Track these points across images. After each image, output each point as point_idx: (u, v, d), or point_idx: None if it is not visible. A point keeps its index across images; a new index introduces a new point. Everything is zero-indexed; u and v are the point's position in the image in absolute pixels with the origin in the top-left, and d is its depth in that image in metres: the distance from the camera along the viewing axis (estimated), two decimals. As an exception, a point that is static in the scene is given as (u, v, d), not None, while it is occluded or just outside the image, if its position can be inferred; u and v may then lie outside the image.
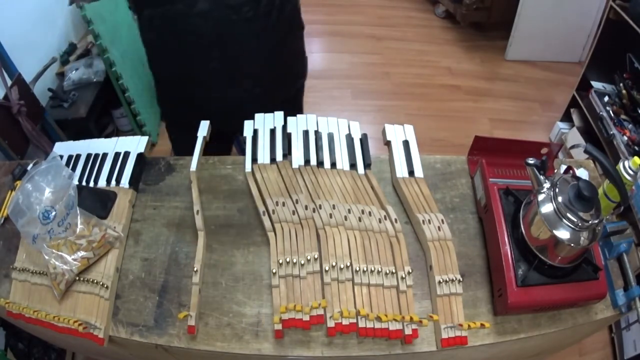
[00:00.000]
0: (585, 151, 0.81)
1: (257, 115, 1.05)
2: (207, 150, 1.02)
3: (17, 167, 1.03)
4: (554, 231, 0.74)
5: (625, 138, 1.81)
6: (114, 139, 1.07)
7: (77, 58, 2.08)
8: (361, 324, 0.77)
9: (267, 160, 0.98)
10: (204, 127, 1.04)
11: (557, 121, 2.39)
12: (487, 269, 0.88)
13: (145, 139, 1.05)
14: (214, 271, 0.86)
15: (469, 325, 0.79)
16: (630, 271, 0.86)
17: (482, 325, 0.79)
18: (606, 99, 2.00)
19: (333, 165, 0.98)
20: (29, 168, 0.99)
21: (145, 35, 1.11)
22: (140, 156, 1.02)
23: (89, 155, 1.04)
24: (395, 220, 0.88)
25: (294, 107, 1.14)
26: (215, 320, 0.81)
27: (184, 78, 1.13)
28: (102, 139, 1.09)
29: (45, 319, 0.81)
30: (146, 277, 0.87)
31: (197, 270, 0.82)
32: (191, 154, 0.99)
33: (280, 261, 0.82)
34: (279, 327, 0.77)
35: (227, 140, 1.08)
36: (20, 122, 1.62)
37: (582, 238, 0.74)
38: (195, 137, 1.01)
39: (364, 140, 1.04)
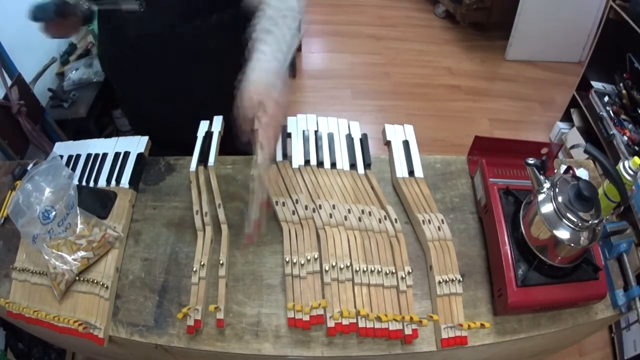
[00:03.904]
0: (585, 151, 0.81)
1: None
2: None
3: (17, 167, 1.03)
4: (554, 231, 0.74)
5: (625, 138, 1.81)
6: (114, 139, 1.07)
7: (77, 58, 2.08)
8: (361, 324, 0.77)
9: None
10: (203, 127, 1.04)
11: (557, 121, 2.39)
12: (487, 269, 0.88)
13: (145, 139, 1.05)
14: (215, 271, 0.86)
15: (469, 325, 0.79)
16: (630, 271, 0.86)
17: (482, 325, 0.79)
18: (606, 99, 2.00)
19: (333, 165, 0.98)
20: (29, 168, 0.99)
21: (99, 46, 1.14)
22: (140, 156, 1.02)
23: (89, 155, 1.04)
24: (395, 220, 0.89)
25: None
26: (216, 320, 0.81)
27: (139, 88, 1.14)
28: (102, 139, 1.09)
29: (45, 319, 0.81)
30: (146, 277, 0.87)
31: (196, 270, 0.82)
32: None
33: (287, 259, 0.83)
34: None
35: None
36: (20, 122, 1.62)
37: (582, 238, 0.74)
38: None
39: (364, 140, 1.04)
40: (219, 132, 1.02)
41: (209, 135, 1.03)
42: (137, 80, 1.10)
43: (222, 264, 0.83)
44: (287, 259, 0.83)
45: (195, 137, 1.02)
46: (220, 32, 1.02)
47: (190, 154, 1.00)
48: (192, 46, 1.00)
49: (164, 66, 1.03)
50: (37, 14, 0.85)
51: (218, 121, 1.05)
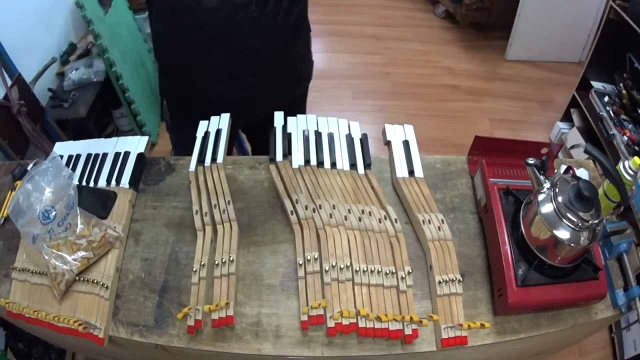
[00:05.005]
0: (585, 151, 0.81)
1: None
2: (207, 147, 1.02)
3: (17, 167, 1.03)
4: (554, 231, 0.74)
5: (625, 138, 1.81)
6: (114, 139, 1.07)
7: (77, 58, 2.08)
8: (361, 324, 0.77)
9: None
10: (202, 127, 1.04)
11: (557, 121, 2.39)
12: (487, 269, 0.88)
13: (145, 139, 1.05)
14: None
15: (469, 325, 0.78)
16: (630, 271, 0.86)
17: (482, 325, 0.79)
18: (606, 99, 2.00)
19: (333, 165, 0.98)
20: (29, 168, 0.99)
21: (154, 26, 1.12)
22: (140, 156, 1.02)
23: (89, 155, 1.04)
24: (395, 220, 0.88)
25: (296, 108, 1.14)
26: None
27: (188, 70, 1.14)
28: (102, 139, 1.09)
29: (45, 319, 0.81)
30: (146, 277, 0.87)
31: (196, 270, 0.82)
32: (192, 147, 0.99)
33: (301, 262, 0.83)
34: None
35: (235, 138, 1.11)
36: (20, 122, 1.62)
37: (582, 238, 0.74)
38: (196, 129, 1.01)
39: (364, 140, 1.04)
40: (228, 129, 1.02)
41: (207, 134, 1.03)
42: (195, 60, 1.10)
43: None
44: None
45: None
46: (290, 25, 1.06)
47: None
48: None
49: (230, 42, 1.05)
50: None
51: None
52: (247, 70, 1.11)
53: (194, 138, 1.02)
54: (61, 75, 2.03)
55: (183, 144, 1.14)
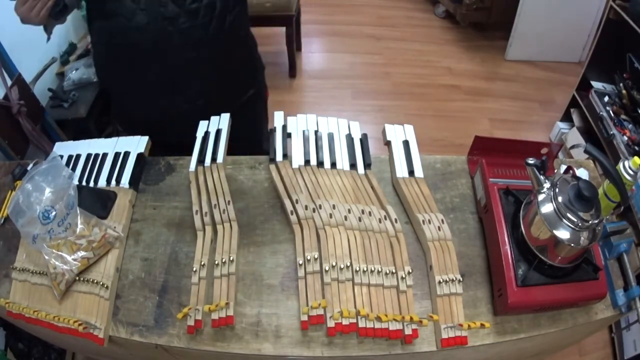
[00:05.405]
0: (585, 151, 0.81)
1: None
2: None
3: (17, 167, 1.03)
4: (554, 231, 0.74)
5: (625, 138, 1.81)
6: (114, 139, 1.07)
7: (77, 58, 2.08)
8: (361, 324, 0.77)
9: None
10: (202, 127, 1.04)
11: (557, 121, 2.39)
12: (487, 269, 0.88)
13: (145, 139, 1.05)
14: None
15: (469, 325, 0.78)
16: (630, 271, 0.86)
17: (482, 325, 0.79)
18: (606, 99, 2.00)
19: (333, 165, 0.98)
20: (29, 168, 0.99)
21: (94, 49, 1.14)
22: (140, 156, 1.02)
23: (89, 155, 1.04)
24: (395, 220, 0.88)
25: (246, 117, 1.14)
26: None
27: (128, 89, 1.15)
28: (102, 139, 1.09)
29: (45, 319, 0.81)
30: (146, 277, 0.87)
31: (196, 270, 0.82)
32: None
33: (301, 262, 0.83)
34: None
35: (187, 149, 1.10)
36: (20, 122, 1.62)
37: (582, 238, 0.74)
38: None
39: (364, 140, 1.04)
40: (228, 129, 1.02)
41: (207, 134, 1.03)
42: (133, 78, 1.11)
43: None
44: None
45: (194, 137, 1.02)
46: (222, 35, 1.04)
47: (190, 153, 1.00)
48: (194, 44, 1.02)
49: (164, 60, 1.05)
50: None
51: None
52: (184, 84, 1.10)
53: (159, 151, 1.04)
54: (61, 75, 2.03)
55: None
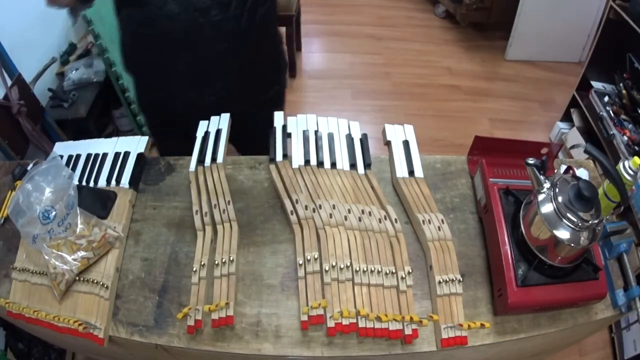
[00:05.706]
0: (585, 151, 0.81)
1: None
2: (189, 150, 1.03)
3: (17, 167, 1.03)
4: (554, 231, 0.74)
5: (625, 138, 1.81)
6: (114, 139, 1.07)
7: (77, 58, 2.08)
8: (361, 324, 0.77)
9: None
10: (202, 127, 1.04)
11: (557, 121, 2.39)
12: (487, 269, 0.88)
13: (145, 139, 1.05)
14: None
15: (469, 325, 0.78)
16: (630, 271, 0.86)
17: (482, 325, 0.79)
18: (606, 99, 2.00)
19: (333, 165, 0.98)
20: (29, 168, 0.99)
21: (122, 37, 1.12)
22: (140, 156, 1.02)
23: (89, 155, 1.04)
24: (395, 220, 0.88)
25: (270, 112, 1.14)
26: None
27: (156, 79, 1.14)
28: (102, 139, 1.09)
29: (45, 319, 0.81)
30: (146, 277, 0.87)
31: (196, 270, 0.82)
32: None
33: (301, 262, 0.83)
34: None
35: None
36: (20, 122, 1.62)
37: (582, 238, 0.74)
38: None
39: (364, 140, 1.04)
40: (228, 129, 1.02)
41: (207, 134, 1.03)
42: (163, 68, 1.10)
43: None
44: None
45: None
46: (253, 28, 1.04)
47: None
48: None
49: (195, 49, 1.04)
50: None
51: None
52: (213, 75, 1.10)
53: (176, 147, 1.02)
54: (61, 75, 2.03)
55: (168, 154, 1.14)
